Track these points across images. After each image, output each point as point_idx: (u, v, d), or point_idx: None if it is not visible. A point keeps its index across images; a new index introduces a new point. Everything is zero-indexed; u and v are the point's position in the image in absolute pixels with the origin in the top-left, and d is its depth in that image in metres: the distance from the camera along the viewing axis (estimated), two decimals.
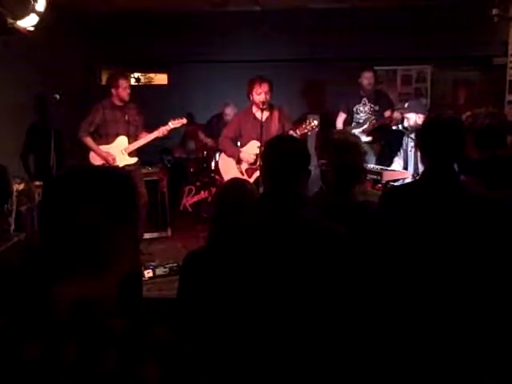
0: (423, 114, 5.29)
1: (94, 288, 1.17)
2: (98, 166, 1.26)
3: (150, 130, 6.24)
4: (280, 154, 2.25)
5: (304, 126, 5.23)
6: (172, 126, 6.08)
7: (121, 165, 5.99)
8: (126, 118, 6.08)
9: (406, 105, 5.79)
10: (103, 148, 6.03)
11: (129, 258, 1.24)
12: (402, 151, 5.53)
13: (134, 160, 6.09)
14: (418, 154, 4.88)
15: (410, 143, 5.44)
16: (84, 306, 1.14)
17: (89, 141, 6.01)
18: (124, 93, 5.98)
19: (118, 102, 6.04)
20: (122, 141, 6.08)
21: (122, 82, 5.97)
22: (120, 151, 6.02)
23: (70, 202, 1.15)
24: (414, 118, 5.39)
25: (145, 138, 6.10)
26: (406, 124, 5.52)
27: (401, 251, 2.45)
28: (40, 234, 1.19)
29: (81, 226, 1.15)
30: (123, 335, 1.10)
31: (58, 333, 1.11)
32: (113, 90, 6.02)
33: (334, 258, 2.08)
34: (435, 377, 2.34)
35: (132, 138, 6.12)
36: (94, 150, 6.02)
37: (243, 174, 5.43)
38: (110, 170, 1.29)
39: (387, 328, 2.36)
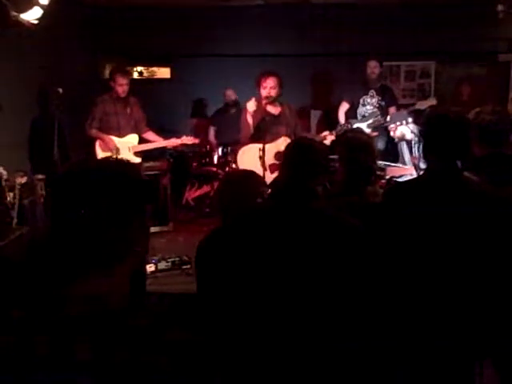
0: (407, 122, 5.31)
1: (108, 284, 1.17)
2: (110, 162, 1.25)
3: (154, 128, 6.39)
4: (299, 151, 2.38)
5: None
6: (184, 142, 6.25)
7: None
8: (128, 110, 6.14)
9: (388, 118, 5.83)
10: (114, 139, 6.11)
11: (140, 254, 1.24)
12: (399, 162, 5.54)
13: (137, 160, 6.13)
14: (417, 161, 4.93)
15: (405, 153, 5.45)
16: (97, 301, 1.14)
17: (94, 132, 6.11)
18: (120, 89, 6.06)
19: (117, 95, 6.10)
20: (132, 138, 6.18)
21: (119, 79, 6.05)
22: (127, 147, 6.09)
23: (83, 200, 1.15)
24: (400, 129, 5.39)
25: (154, 144, 6.27)
26: (392, 134, 5.54)
27: (405, 248, 2.44)
28: (51, 231, 1.19)
29: (94, 223, 1.14)
30: (136, 332, 1.10)
31: (70, 327, 1.11)
32: (112, 84, 6.12)
33: (346, 249, 2.10)
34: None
35: (134, 132, 6.17)
36: (99, 138, 6.10)
37: (266, 170, 5.27)
38: (123, 166, 1.28)
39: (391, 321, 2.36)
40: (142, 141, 6.33)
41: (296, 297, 2.08)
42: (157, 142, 6.32)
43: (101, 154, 6.07)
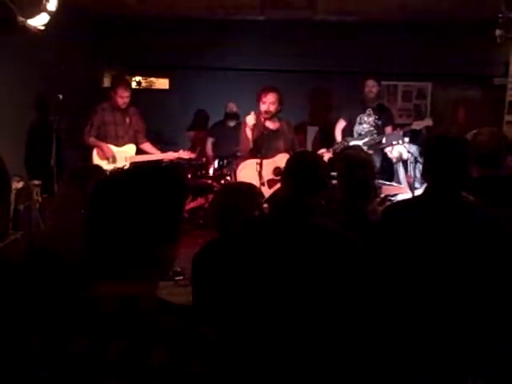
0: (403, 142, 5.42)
1: (144, 286, 1.19)
2: (148, 167, 1.26)
3: (151, 139, 6.44)
4: (300, 166, 2.40)
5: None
6: (181, 156, 6.29)
7: None
8: (127, 120, 6.17)
9: (384, 140, 5.93)
10: (111, 148, 6.13)
11: (172, 259, 1.26)
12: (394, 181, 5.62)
13: None
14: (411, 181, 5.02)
15: (400, 173, 5.52)
16: (132, 302, 1.15)
17: (92, 140, 6.11)
18: (120, 101, 6.09)
19: (117, 106, 6.12)
20: (129, 148, 6.22)
21: (121, 91, 6.09)
22: (124, 157, 6.11)
23: (126, 207, 1.16)
24: (397, 149, 5.49)
25: (151, 156, 6.29)
26: (390, 155, 5.65)
27: (404, 268, 2.46)
28: (88, 235, 1.20)
29: (130, 231, 1.16)
30: (171, 333, 1.11)
31: (105, 328, 1.12)
32: (112, 94, 6.14)
33: (344, 262, 2.12)
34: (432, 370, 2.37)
35: (132, 142, 6.20)
36: (97, 146, 6.11)
37: (264, 185, 5.31)
38: (163, 172, 1.28)
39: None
40: (139, 151, 6.35)
41: (295, 309, 2.09)
42: (154, 153, 6.35)
43: (97, 161, 6.08)
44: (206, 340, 1.13)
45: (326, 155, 5.45)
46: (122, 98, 6.07)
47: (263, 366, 2.03)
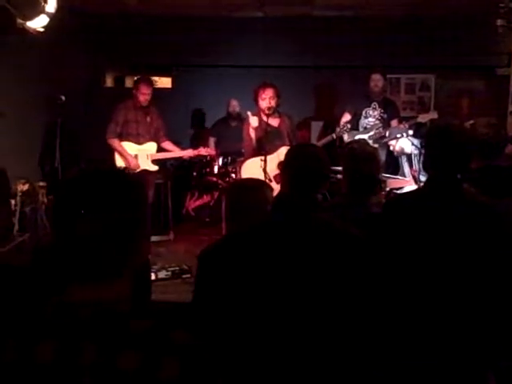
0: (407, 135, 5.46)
1: (109, 290, 1.18)
2: (107, 170, 1.26)
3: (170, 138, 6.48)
4: (301, 160, 2.33)
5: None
6: (201, 153, 6.42)
7: (141, 167, 6.13)
8: (148, 119, 6.22)
9: (387, 133, 5.93)
10: (133, 146, 6.15)
11: (141, 259, 1.25)
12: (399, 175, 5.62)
13: (154, 168, 6.26)
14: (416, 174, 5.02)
15: (405, 166, 5.53)
16: (102, 306, 1.14)
17: (116, 143, 6.11)
18: (141, 97, 6.12)
19: (139, 104, 6.17)
20: (150, 146, 6.25)
21: (141, 87, 6.13)
22: (146, 155, 6.16)
23: (81, 209, 1.15)
24: (400, 145, 5.52)
25: (171, 153, 6.45)
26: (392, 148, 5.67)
27: (406, 260, 2.45)
28: (54, 237, 1.20)
29: (93, 233, 1.15)
30: (143, 336, 1.11)
31: (76, 332, 1.12)
32: (134, 92, 6.19)
33: (350, 260, 2.11)
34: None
35: (153, 141, 6.28)
36: (119, 153, 6.12)
37: (271, 181, 5.29)
38: (120, 174, 1.28)
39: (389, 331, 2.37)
40: (159, 150, 6.39)
41: (301, 308, 2.07)
42: (174, 151, 6.42)
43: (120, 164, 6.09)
44: (179, 345, 1.12)
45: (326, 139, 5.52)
46: (144, 94, 6.09)
47: (261, 367, 2.02)
